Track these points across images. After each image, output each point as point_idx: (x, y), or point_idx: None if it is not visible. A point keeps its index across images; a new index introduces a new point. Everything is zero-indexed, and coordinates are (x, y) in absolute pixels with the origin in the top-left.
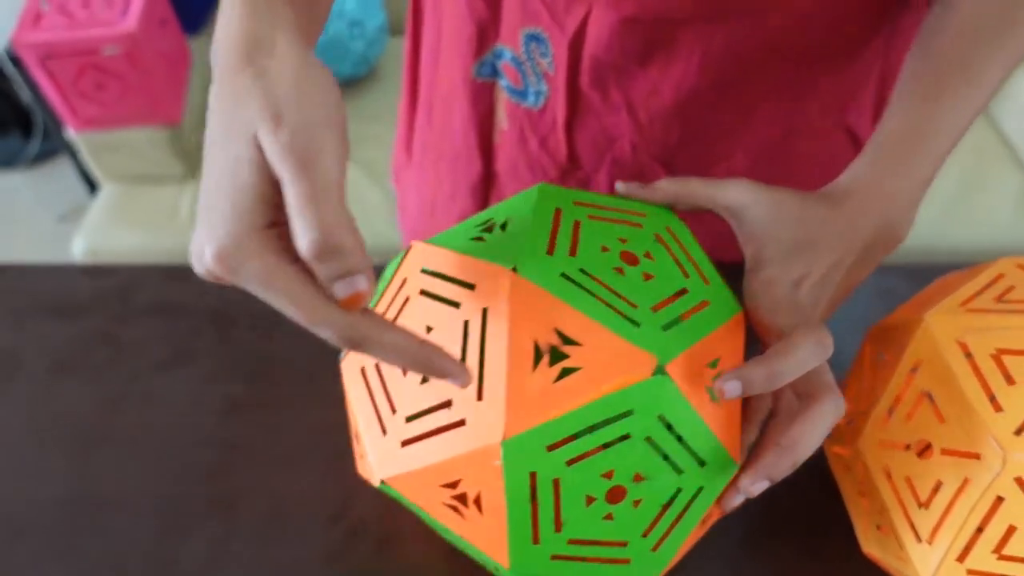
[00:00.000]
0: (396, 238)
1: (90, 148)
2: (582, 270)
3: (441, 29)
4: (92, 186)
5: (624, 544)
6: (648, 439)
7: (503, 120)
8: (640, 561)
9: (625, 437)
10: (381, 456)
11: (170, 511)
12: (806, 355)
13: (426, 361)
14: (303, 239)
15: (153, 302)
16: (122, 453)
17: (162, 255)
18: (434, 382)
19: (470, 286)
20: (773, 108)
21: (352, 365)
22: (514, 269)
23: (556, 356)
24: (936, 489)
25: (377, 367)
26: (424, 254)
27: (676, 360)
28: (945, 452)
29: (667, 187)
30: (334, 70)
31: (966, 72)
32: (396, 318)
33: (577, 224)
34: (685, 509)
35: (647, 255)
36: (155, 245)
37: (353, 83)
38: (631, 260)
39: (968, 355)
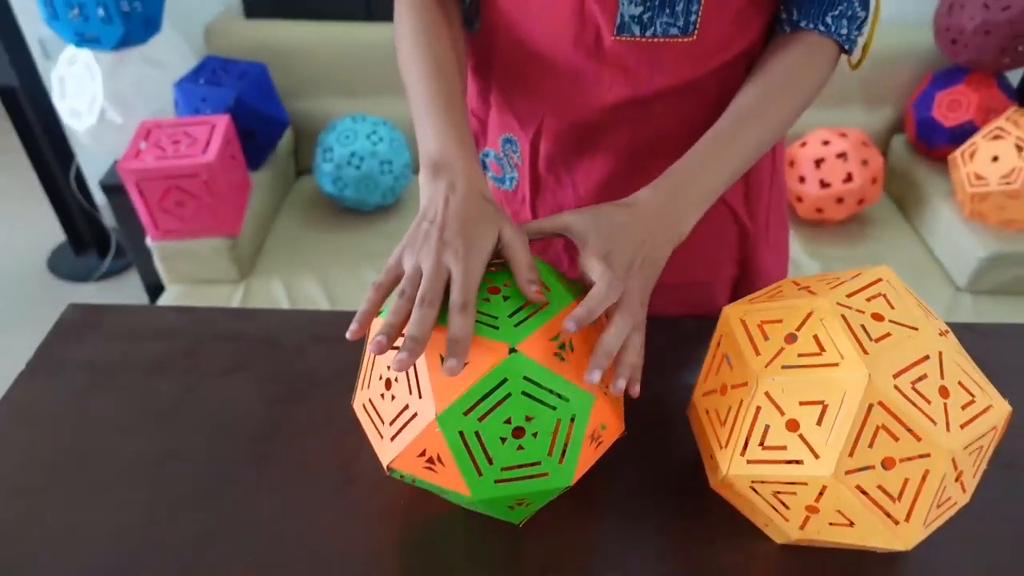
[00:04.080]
0: None
1: (162, 255)
2: None
3: None
4: (153, 297)
5: (539, 463)
6: (524, 393)
7: None
8: (555, 472)
9: (509, 395)
10: (385, 450)
11: (215, 465)
12: (605, 293)
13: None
14: (526, 276)
15: (221, 330)
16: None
17: None
18: (397, 396)
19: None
20: None
21: (358, 405)
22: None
23: None
24: (728, 412)
25: (371, 401)
26: None
27: (525, 342)
28: (733, 387)
29: (529, 228)
30: (367, 200)
31: (729, 140)
32: (373, 361)
33: None
34: (569, 431)
35: (506, 284)
36: None
37: (382, 209)
38: (495, 291)
39: (744, 326)
